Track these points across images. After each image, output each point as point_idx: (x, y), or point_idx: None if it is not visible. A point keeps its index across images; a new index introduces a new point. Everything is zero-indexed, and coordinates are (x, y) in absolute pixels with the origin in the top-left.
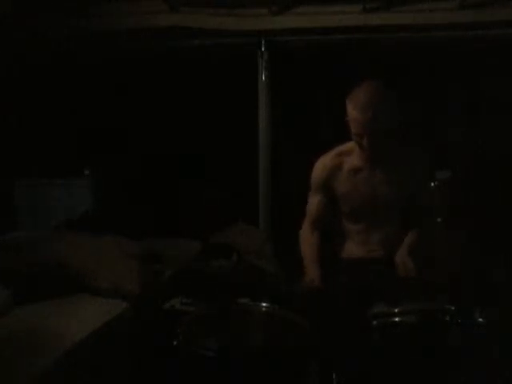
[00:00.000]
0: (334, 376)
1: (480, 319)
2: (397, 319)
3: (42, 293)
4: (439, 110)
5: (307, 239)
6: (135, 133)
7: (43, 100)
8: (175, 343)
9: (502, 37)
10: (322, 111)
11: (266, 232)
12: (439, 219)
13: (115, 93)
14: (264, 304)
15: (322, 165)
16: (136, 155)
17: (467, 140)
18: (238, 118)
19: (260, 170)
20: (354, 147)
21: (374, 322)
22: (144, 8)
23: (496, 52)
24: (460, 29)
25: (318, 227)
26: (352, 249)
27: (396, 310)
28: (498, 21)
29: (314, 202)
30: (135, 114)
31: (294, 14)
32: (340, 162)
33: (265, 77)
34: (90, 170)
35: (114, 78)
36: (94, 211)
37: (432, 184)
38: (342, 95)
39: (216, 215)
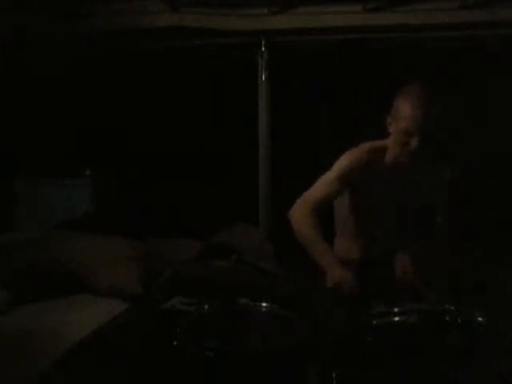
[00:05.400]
0: (333, 376)
1: (480, 319)
2: (397, 319)
3: (42, 293)
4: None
5: (310, 227)
6: (135, 133)
7: (43, 100)
8: (175, 343)
9: (502, 37)
10: (322, 111)
11: (265, 232)
12: (439, 219)
13: (115, 93)
14: (264, 304)
15: (353, 157)
16: (136, 155)
17: (468, 140)
18: (237, 118)
19: (260, 169)
20: (385, 146)
21: (374, 322)
22: (144, 8)
23: (496, 52)
24: (460, 29)
25: (319, 212)
26: (354, 250)
27: (396, 310)
28: (497, 21)
29: (330, 187)
30: (135, 114)
31: (294, 14)
32: (369, 161)
33: (265, 77)
34: (90, 169)
35: (114, 77)
36: (94, 211)
37: None
38: (342, 95)
39: (216, 215)
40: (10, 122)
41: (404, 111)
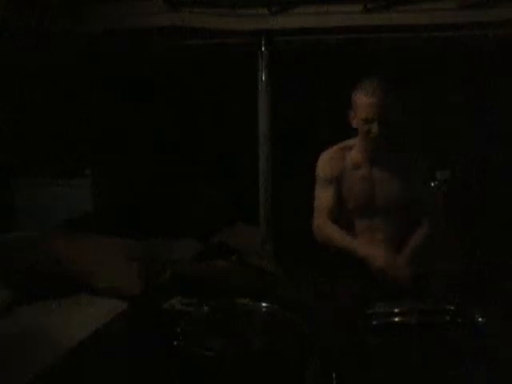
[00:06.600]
0: (333, 376)
1: (480, 319)
2: (397, 319)
3: (42, 293)
4: (439, 109)
5: (333, 229)
6: (135, 133)
7: (43, 100)
8: (175, 343)
9: (501, 37)
10: (321, 111)
11: (266, 232)
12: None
13: (115, 93)
14: (264, 304)
15: (328, 158)
16: (136, 155)
17: (467, 140)
18: (237, 118)
19: (260, 170)
20: (355, 144)
21: (374, 322)
22: (144, 8)
23: (495, 52)
24: (460, 29)
25: (332, 220)
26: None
27: (396, 310)
28: (497, 21)
29: (325, 195)
30: (135, 114)
31: (293, 14)
32: (343, 157)
33: (265, 77)
34: (91, 169)
35: (113, 77)
36: (94, 211)
37: (432, 184)
38: (342, 95)
39: (216, 215)
40: (10, 122)
41: (361, 101)
